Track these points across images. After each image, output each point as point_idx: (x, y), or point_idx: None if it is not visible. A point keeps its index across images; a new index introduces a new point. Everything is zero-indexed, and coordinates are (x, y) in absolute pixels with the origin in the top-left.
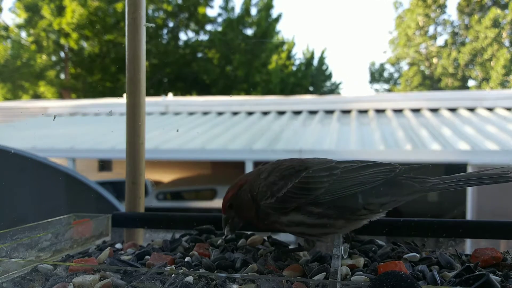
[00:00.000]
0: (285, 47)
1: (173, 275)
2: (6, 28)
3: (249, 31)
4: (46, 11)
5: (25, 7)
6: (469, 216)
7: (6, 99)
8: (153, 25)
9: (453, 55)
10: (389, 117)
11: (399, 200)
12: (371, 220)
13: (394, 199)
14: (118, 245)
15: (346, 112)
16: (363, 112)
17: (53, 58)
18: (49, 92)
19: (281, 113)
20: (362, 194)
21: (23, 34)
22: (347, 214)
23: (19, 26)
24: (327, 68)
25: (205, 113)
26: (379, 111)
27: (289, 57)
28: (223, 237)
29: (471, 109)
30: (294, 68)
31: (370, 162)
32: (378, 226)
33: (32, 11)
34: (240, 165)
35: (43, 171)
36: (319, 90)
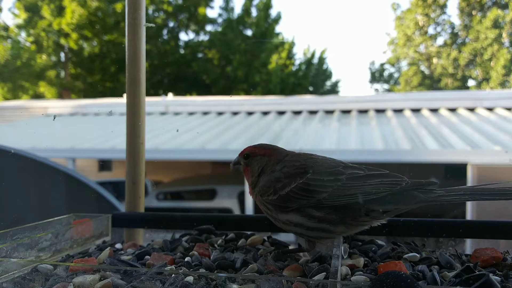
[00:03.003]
0: (285, 47)
1: (173, 275)
2: (6, 28)
3: (249, 32)
4: (46, 12)
5: (25, 7)
6: (469, 216)
7: (6, 99)
8: (153, 25)
9: (453, 55)
10: (389, 117)
11: (402, 209)
12: (372, 226)
13: (397, 208)
14: (118, 245)
15: (346, 112)
16: (363, 112)
17: (53, 58)
18: (49, 92)
19: (281, 113)
20: (365, 202)
21: (23, 34)
22: (348, 220)
23: (19, 26)
24: (327, 68)
25: (205, 113)
26: (379, 111)
27: (289, 57)
28: (231, 169)
29: (471, 109)
30: (294, 68)
31: (377, 171)
32: (378, 226)
33: (32, 11)
34: None
35: (43, 171)
36: (319, 90)
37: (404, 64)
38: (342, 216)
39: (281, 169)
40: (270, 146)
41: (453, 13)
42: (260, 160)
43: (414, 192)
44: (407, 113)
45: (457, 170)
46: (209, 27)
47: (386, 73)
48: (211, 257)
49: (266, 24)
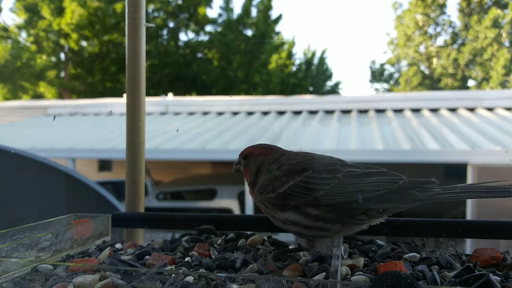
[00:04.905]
0: (286, 47)
1: (173, 275)
2: (6, 28)
3: (249, 32)
4: (46, 12)
5: (25, 7)
6: (469, 216)
7: (6, 99)
8: (153, 25)
9: (453, 55)
10: (389, 117)
11: (399, 207)
12: (370, 225)
13: (394, 206)
14: (118, 245)
15: (346, 112)
16: (363, 112)
17: (53, 58)
18: (49, 92)
19: (281, 113)
20: (362, 200)
21: (23, 34)
22: (345, 218)
23: (19, 27)
24: (327, 68)
25: (205, 113)
26: (379, 111)
27: (289, 56)
28: (233, 170)
29: (471, 109)
30: (294, 69)
31: (375, 169)
32: (378, 226)
33: (32, 11)
34: None
35: (43, 171)
36: (320, 90)
37: (404, 64)
38: (339, 214)
39: (279, 168)
40: (267, 145)
41: (453, 13)
42: (257, 159)
43: (412, 190)
44: (407, 113)
45: (457, 170)
46: (209, 27)
47: (386, 73)
48: (211, 257)
49: (266, 25)
